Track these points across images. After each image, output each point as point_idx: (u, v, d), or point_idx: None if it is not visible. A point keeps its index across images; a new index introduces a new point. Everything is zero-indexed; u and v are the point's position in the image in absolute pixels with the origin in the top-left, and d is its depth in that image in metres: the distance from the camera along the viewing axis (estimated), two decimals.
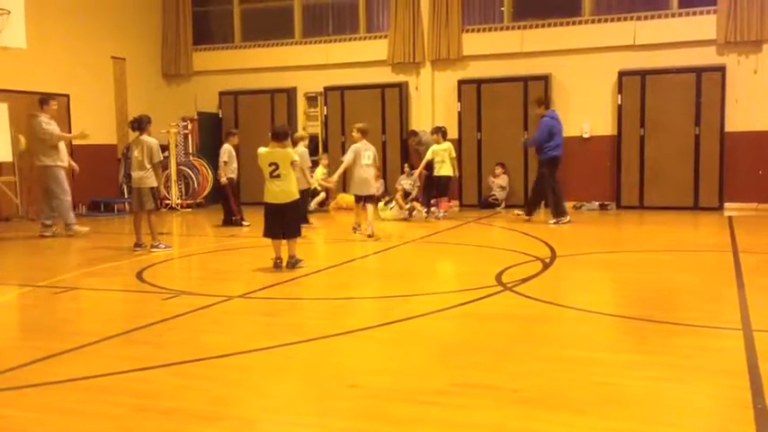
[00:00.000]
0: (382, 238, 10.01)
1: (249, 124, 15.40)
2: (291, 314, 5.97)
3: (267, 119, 15.12)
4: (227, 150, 11.75)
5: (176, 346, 4.82)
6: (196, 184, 14.99)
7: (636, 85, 13.40)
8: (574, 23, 14.07)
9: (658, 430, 3.32)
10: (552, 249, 8.64)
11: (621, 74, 13.51)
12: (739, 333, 4.81)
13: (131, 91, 15.79)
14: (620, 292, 6.76)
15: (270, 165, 7.48)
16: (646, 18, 13.58)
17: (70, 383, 4.05)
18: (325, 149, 15.07)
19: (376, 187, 10.50)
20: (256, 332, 5.25)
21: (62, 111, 13.99)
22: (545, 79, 13.95)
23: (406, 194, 13.08)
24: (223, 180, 11.65)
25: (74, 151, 13.81)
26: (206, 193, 15.07)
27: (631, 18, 13.66)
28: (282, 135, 7.59)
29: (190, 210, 14.57)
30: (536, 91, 13.88)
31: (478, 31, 14.70)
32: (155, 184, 9.18)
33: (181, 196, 14.90)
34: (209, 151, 14.74)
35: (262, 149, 7.59)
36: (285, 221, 7.54)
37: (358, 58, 15.31)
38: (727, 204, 13.10)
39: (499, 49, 14.40)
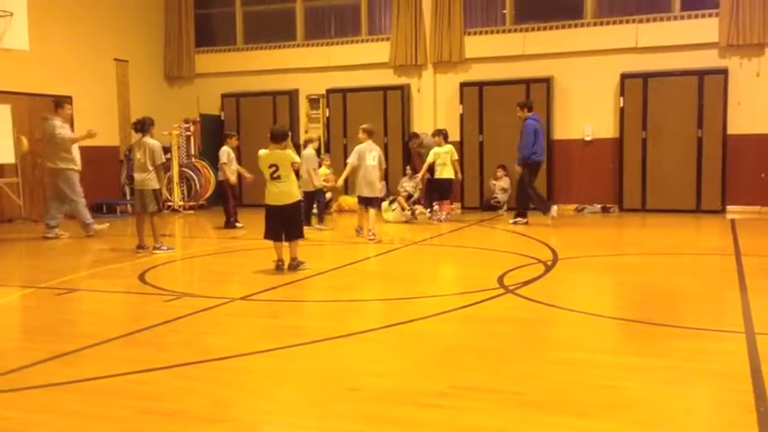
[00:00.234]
0: (384, 240, 10.00)
1: (251, 126, 15.42)
2: (293, 316, 5.97)
3: (269, 121, 15.11)
4: (225, 152, 11.77)
5: (178, 348, 4.82)
6: (198, 186, 15.00)
7: (638, 88, 13.40)
8: (576, 26, 14.07)
9: None
10: (554, 252, 8.64)
11: (624, 76, 13.50)
12: (742, 336, 4.80)
13: (134, 93, 15.81)
14: (622, 294, 6.75)
15: (270, 166, 7.47)
16: (648, 21, 13.57)
17: (72, 385, 4.05)
18: (327, 151, 15.07)
19: (380, 189, 10.38)
20: (258, 334, 5.25)
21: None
22: (547, 82, 13.96)
23: (409, 197, 13.08)
24: (233, 179, 11.66)
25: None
26: (208, 194, 15.08)
27: (633, 21, 13.65)
28: (281, 136, 7.54)
29: (192, 212, 14.58)
30: (538, 93, 13.91)
31: (480, 33, 14.71)
32: (157, 186, 9.18)
33: (183, 198, 14.91)
34: (212, 153, 14.71)
35: (262, 152, 7.59)
36: (286, 223, 7.53)
37: (360, 61, 15.32)
38: (729, 207, 13.09)
39: (501, 52, 14.40)
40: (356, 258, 8.82)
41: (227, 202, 11.84)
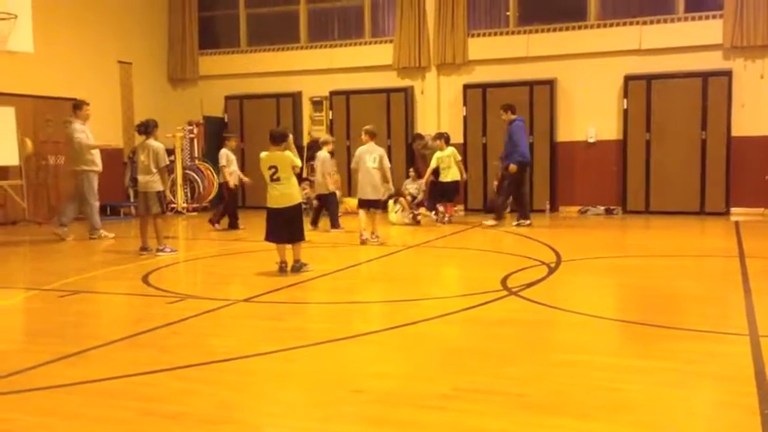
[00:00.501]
0: (387, 242, 9.99)
1: (254, 128, 15.43)
2: (296, 318, 5.97)
3: (272, 123, 15.09)
4: (224, 155, 11.82)
5: (182, 350, 4.83)
6: (202, 188, 15.02)
7: (642, 90, 13.38)
8: (579, 28, 14.06)
9: None
10: (558, 254, 8.63)
11: (627, 78, 13.49)
12: (746, 339, 4.79)
13: (137, 95, 15.84)
14: (625, 297, 6.74)
15: (269, 168, 7.46)
16: (652, 23, 13.56)
17: (76, 387, 4.05)
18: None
19: (382, 192, 10.26)
20: (261, 336, 5.25)
21: (69, 115, 14.04)
22: (550, 84, 13.95)
23: (412, 199, 13.07)
24: (232, 183, 11.70)
25: None
26: (211, 197, 15.09)
27: (637, 22, 13.64)
28: (280, 138, 7.50)
29: (195, 213, 14.60)
30: (542, 95, 13.91)
31: (484, 35, 14.71)
32: (161, 188, 9.19)
33: (186, 200, 14.93)
34: (215, 155, 14.65)
35: (262, 154, 7.59)
36: (287, 226, 7.51)
37: (363, 63, 15.33)
38: (733, 209, 13.06)
39: (505, 54, 14.40)
40: (359, 260, 8.82)
41: (227, 203, 11.92)
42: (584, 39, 13.95)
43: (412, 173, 13.93)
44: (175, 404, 3.77)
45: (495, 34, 14.66)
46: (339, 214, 11.81)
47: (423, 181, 12.85)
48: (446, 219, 12.25)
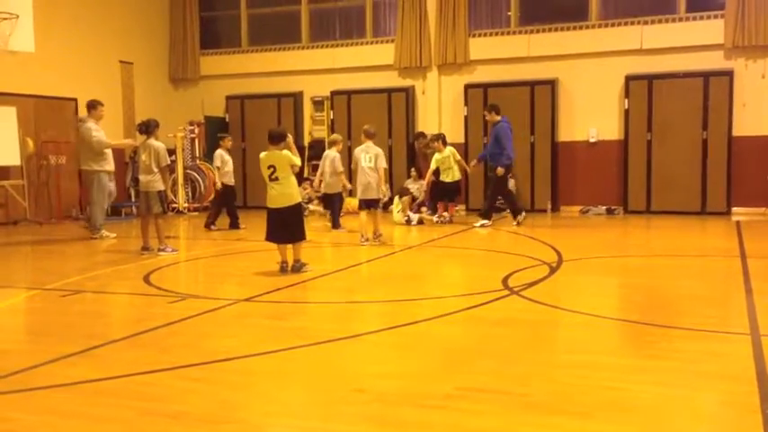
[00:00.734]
0: (388, 242, 9.98)
1: (256, 128, 15.41)
2: (297, 318, 5.97)
3: (274, 123, 15.09)
4: (218, 156, 11.86)
5: (182, 350, 4.83)
6: (203, 188, 15.02)
7: (643, 90, 13.37)
8: (581, 28, 14.06)
9: None
10: (559, 254, 8.62)
11: (628, 78, 13.48)
12: (747, 338, 4.79)
13: (139, 95, 15.85)
14: (627, 296, 6.74)
15: (268, 168, 7.45)
16: (653, 22, 13.56)
17: (77, 386, 4.05)
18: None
19: (378, 191, 10.13)
20: (262, 336, 5.24)
21: (70, 115, 14.07)
22: (552, 84, 13.95)
23: (413, 200, 13.06)
24: (225, 181, 11.78)
25: None
26: (212, 196, 15.08)
27: (638, 22, 13.64)
28: (278, 137, 7.48)
29: (197, 213, 14.60)
30: (543, 95, 13.91)
31: (485, 35, 14.71)
32: (162, 188, 9.20)
33: (188, 200, 14.93)
34: None
35: (262, 154, 7.59)
36: (287, 226, 7.49)
37: (365, 63, 15.33)
38: (734, 209, 13.05)
39: (506, 54, 14.40)
40: (360, 260, 8.82)
41: (220, 204, 11.97)
42: (586, 39, 13.95)
43: (413, 173, 13.92)
44: (176, 403, 3.77)
45: (497, 34, 14.65)
46: (342, 214, 11.80)
47: (424, 182, 12.84)
48: (447, 219, 12.24)
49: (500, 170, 11.53)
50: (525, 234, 10.72)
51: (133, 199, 14.66)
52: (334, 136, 11.95)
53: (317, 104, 15.88)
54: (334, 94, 15.38)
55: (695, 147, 13.09)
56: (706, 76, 12.98)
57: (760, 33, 12.77)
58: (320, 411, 3.67)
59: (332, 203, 11.60)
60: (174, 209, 14.39)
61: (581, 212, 13.84)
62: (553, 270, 7.61)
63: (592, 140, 14.03)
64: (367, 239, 9.80)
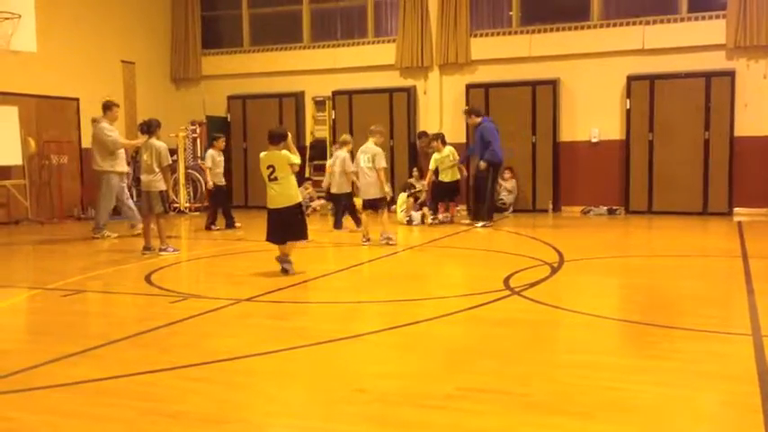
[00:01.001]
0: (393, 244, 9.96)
1: (257, 128, 15.42)
2: (298, 318, 5.97)
3: (275, 123, 15.09)
4: (209, 156, 11.86)
5: (183, 350, 4.83)
6: (204, 188, 15.01)
7: (645, 90, 13.36)
8: (582, 28, 14.05)
9: None
10: (560, 254, 8.62)
11: (630, 78, 13.47)
12: (749, 339, 4.78)
13: (140, 95, 15.86)
14: (628, 296, 6.73)
15: (267, 168, 7.43)
16: (655, 23, 13.55)
17: (78, 386, 4.05)
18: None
19: (383, 192, 10.08)
20: (263, 336, 5.24)
21: (72, 115, 14.09)
22: (553, 84, 13.94)
23: (415, 199, 13.05)
24: (216, 181, 11.81)
25: (83, 154, 13.92)
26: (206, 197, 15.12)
27: (640, 22, 13.63)
28: (277, 137, 7.45)
29: (198, 213, 14.61)
30: (545, 95, 13.90)
31: (487, 35, 14.70)
32: (164, 188, 9.19)
33: (189, 200, 14.94)
34: None
35: (261, 154, 7.57)
36: (289, 226, 7.46)
37: (366, 63, 15.33)
38: (736, 209, 13.04)
39: (507, 54, 14.39)
40: (361, 260, 8.82)
41: (223, 204, 12.00)
42: (587, 39, 13.94)
43: (415, 172, 13.91)
44: (177, 403, 3.77)
45: (498, 34, 14.65)
46: (345, 215, 11.79)
47: (425, 182, 12.83)
48: (448, 219, 12.24)
49: (482, 164, 11.51)
50: (526, 234, 10.72)
51: (135, 199, 14.66)
52: (345, 136, 11.93)
53: (319, 104, 15.88)
54: (335, 94, 15.38)
55: (697, 147, 13.08)
56: (708, 76, 12.96)
57: (762, 33, 12.75)
58: (321, 411, 3.67)
59: (338, 203, 11.60)
60: (175, 209, 14.40)
61: (582, 213, 13.83)
62: (554, 270, 7.60)
63: (593, 140, 14.02)
64: (368, 240, 9.78)
